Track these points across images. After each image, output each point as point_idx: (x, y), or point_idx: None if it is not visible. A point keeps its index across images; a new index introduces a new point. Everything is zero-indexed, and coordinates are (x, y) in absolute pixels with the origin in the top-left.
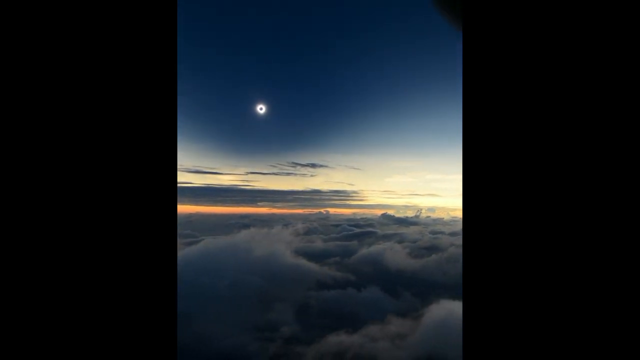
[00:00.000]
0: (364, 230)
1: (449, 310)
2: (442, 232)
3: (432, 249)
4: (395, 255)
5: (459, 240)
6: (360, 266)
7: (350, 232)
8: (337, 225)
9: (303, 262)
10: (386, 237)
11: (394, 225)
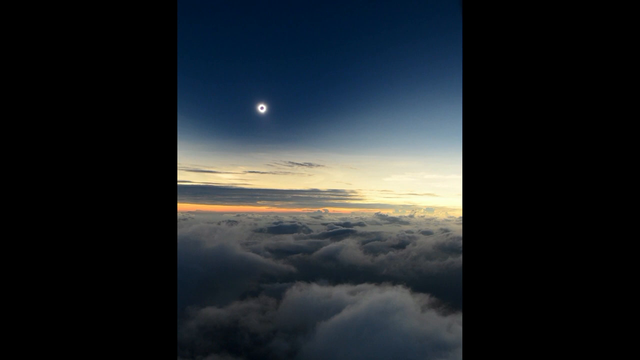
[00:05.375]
0: (347, 228)
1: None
2: (428, 232)
3: (397, 246)
4: (353, 252)
5: (434, 239)
6: (318, 261)
7: (330, 230)
8: (325, 224)
9: (254, 256)
10: (363, 235)
11: (385, 224)
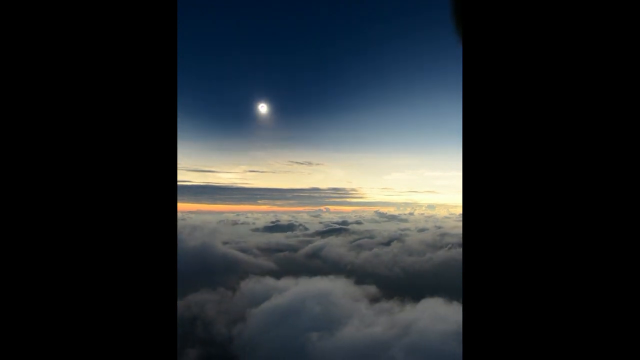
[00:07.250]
0: (342, 226)
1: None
2: (424, 229)
3: (386, 243)
4: (338, 249)
5: (422, 237)
6: (301, 259)
7: (324, 229)
8: (323, 222)
9: (236, 253)
10: (356, 233)
11: (383, 222)
